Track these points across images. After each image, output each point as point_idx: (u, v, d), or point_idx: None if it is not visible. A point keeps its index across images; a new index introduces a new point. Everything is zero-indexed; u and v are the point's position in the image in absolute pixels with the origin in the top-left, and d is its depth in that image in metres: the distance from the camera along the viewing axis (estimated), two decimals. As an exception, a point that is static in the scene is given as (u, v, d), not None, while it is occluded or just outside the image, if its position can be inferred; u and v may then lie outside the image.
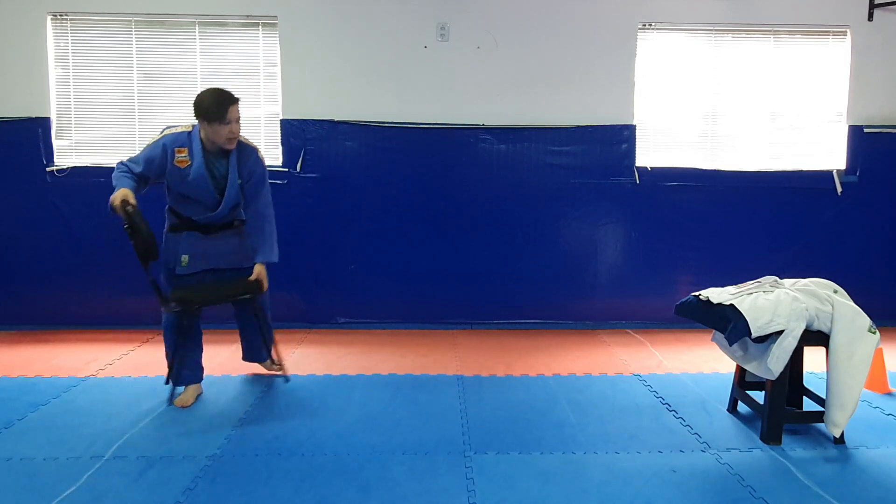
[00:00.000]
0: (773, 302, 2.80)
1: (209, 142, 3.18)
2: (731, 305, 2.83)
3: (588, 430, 3.00)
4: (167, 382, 3.34)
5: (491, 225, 4.79)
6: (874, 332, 2.77)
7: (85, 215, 4.67)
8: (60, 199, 4.65)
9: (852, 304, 2.86)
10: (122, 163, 3.11)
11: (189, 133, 3.19)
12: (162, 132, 3.23)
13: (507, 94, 4.73)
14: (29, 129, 4.60)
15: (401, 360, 4.08)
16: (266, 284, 3.36)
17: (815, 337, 2.84)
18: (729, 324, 2.81)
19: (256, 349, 3.72)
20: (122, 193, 2.93)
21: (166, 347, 3.35)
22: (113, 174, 3.07)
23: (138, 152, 3.18)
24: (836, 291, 2.93)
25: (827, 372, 2.81)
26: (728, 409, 3.25)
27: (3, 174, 4.64)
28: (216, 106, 3.08)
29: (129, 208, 2.92)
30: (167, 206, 3.32)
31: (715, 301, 2.94)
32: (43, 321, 4.73)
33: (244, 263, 3.38)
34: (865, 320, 2.79)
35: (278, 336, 4.60)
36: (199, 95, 3.14)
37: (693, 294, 3.14)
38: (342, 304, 4.83)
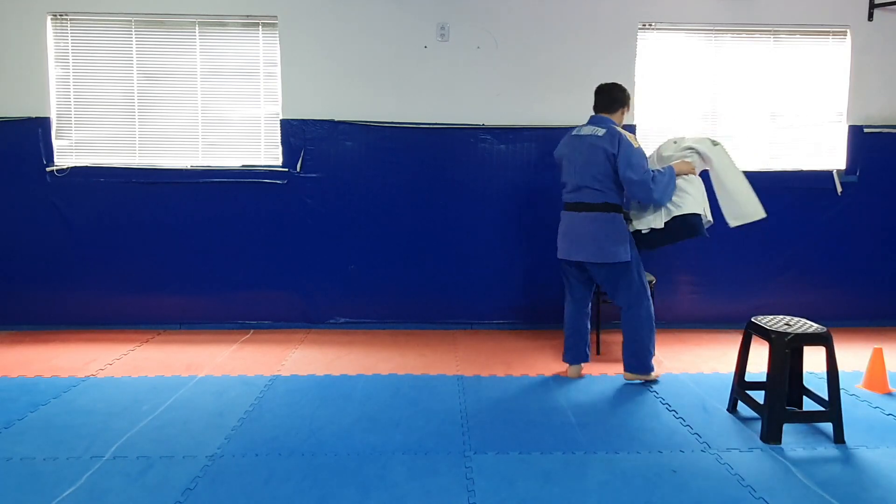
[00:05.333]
0: (696, 189, 3.55)
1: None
2: (687, 216, 3.50)
3: (588, 430, 3.00)
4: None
5: (491, 225, 4.79)
6: (716, 144, 3.60)
7: (85, 215, 4.67)
8: (60, 199, 4.65)
9: (702, 137, 3.68)
10: (651, 174, 3.42)
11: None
12: (622, 134, 3.47)
13: (507, 94, 4.73)
14: (29, 129, 4.60)
15: (401, 360, 4.08)
16: None
17: (815, 337, 2.86)
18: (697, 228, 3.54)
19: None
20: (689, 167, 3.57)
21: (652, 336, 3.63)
22: (661, 185, 3.44)
23: (638, 161, 3.41)
24: (715, 144, 3.62)
25: (718, 186, 3.61)
26: (728, 409, 3.25)
27: (3, 174, 4.64)
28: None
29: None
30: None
31: (659, 224, 3.56)
32: (43, 321, 4.73)
33: None
34: (708, 140, 3.63)
35: (278, 336, 4.64)
36: (616, 88, 3.58)
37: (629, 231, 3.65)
38: (342, 304, 4.83)
